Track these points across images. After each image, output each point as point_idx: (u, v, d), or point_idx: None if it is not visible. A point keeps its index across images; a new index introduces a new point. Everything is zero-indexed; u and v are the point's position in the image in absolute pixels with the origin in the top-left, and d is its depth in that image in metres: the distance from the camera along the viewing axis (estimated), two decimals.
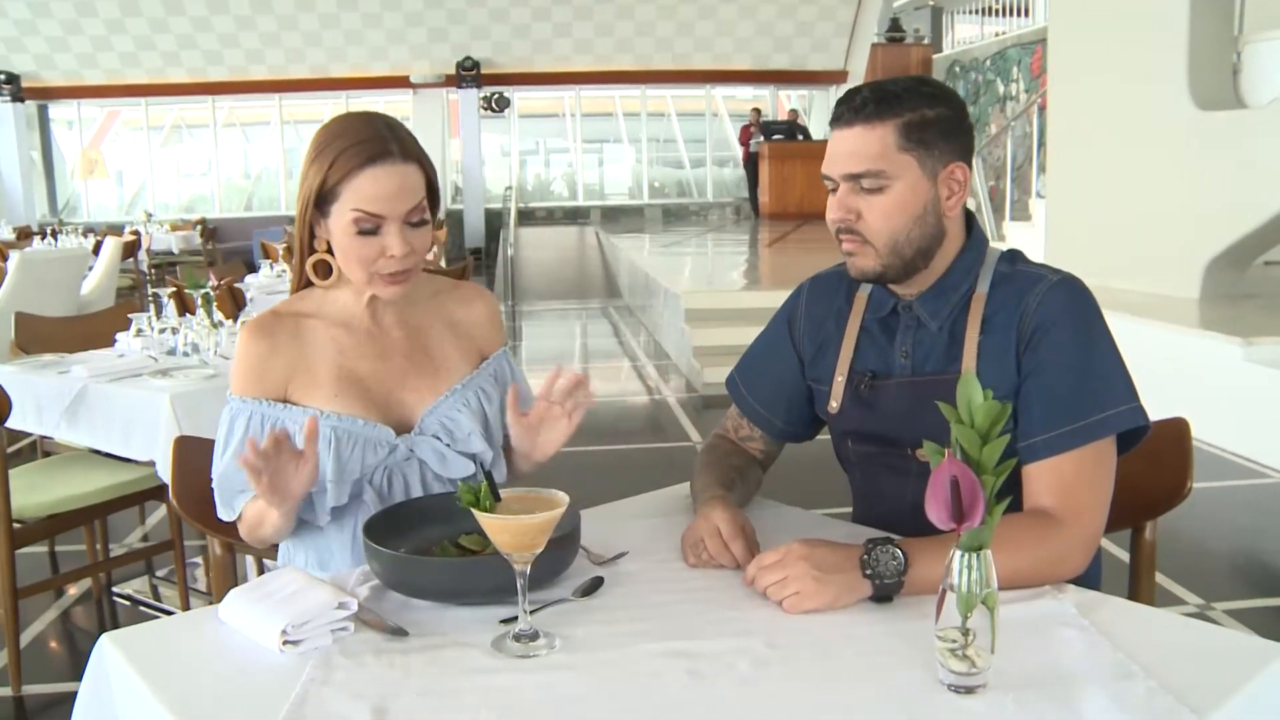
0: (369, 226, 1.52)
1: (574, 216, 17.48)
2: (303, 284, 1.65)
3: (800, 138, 15.34)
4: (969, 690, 1.08)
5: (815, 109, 18.03)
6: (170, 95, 16.57)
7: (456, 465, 1.64)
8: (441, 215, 14.82)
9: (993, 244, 1.58)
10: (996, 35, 15.07)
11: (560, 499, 1.23)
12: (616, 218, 17.54)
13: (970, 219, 1.57)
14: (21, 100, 16.16)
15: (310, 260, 1.60)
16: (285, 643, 1.21)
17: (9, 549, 2.73)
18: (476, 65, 16.41)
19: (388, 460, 1.61)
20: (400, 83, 16.51)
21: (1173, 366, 5.21)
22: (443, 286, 1.76)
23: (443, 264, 8.65)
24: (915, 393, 1.52)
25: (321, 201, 1.54)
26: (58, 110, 17.36)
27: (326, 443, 1.55)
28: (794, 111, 16.62)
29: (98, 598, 3.43)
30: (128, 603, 3.44)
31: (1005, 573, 1.32)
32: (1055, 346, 1.43)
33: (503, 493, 1.26)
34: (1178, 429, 1.78)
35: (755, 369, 1.76)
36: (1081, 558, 1.38)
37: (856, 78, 16.71)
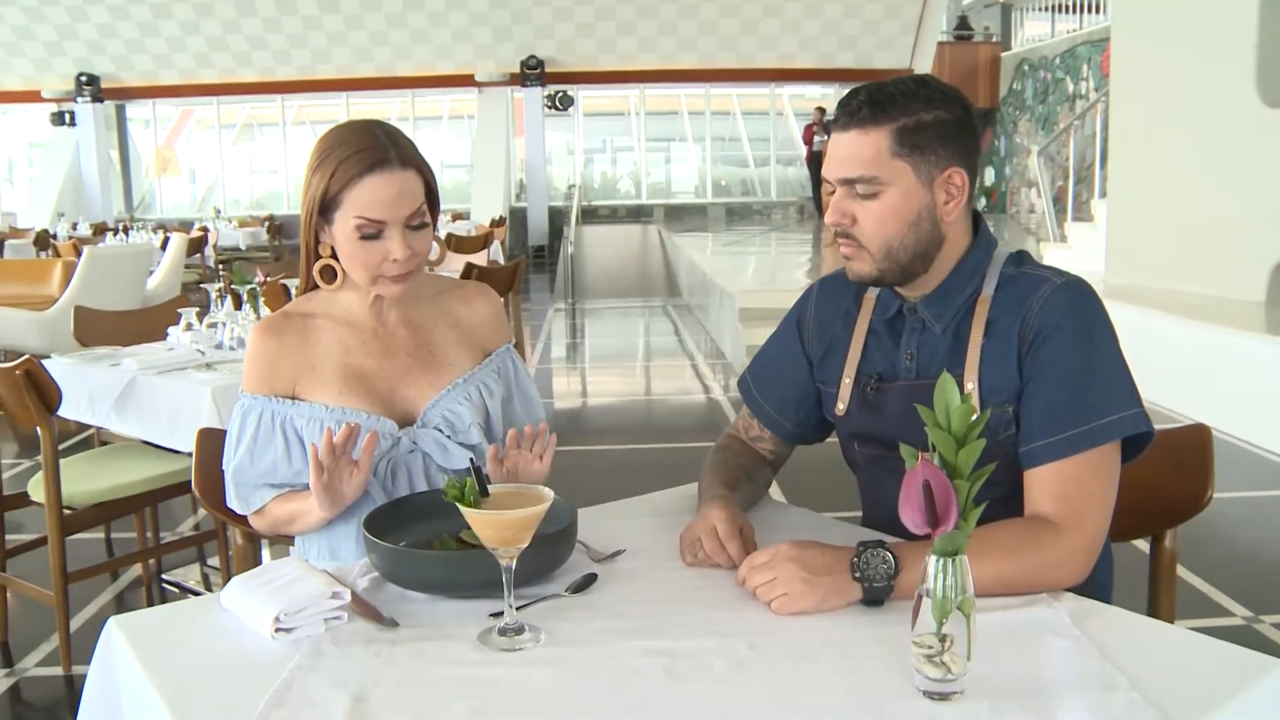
0: (371, 232, 1.57)
1: (637, 215, 17.54)
2: (310, 286, 1.70)
3: None
4: (944, 697, 1.07)
5: None
6: (241, 94, 17.02)
7: (458, 456, 1.68)
8: (503, 213, 15.00)
9: (1001, 246, 1.55)
10: (1069, 33, 14.78)
11: (544, 495, 1.24)
12: (680, 216, 17.57)
13: (978, 220, 1.55)
14: (101, 101, 16.70)
15: (316, 266, 1.65)
16: (278, 630, 1.24)
17: (59, 535, 2.83)
18: (541, 64, 16.55)
19: (391, 453, 1.66)
20: (465, 81, 16.72)
21: (1236, 371, 5.08)
22: (446, 286, 1.82)
23: (500, 261, 8.73)
24: (918, 396, 1.49)
25: (325, 209, 1.59)
26: (135, 110, 17.90)
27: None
28: None
29: (147, 584, 3.53)
30: (176, 589, 3.54)
31: (999, 579, 1.32)
32: (1057, 350, 1.41)
33: (491, 489, 1.28)
34: (1199, 435, 1.73)
35: (766, 370, 1.75)
36: (1080, 566, 1.36)
37: None
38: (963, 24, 17.70)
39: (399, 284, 1.62)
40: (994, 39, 17.71)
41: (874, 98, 1.44)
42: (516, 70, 16.54)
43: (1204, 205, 6.35)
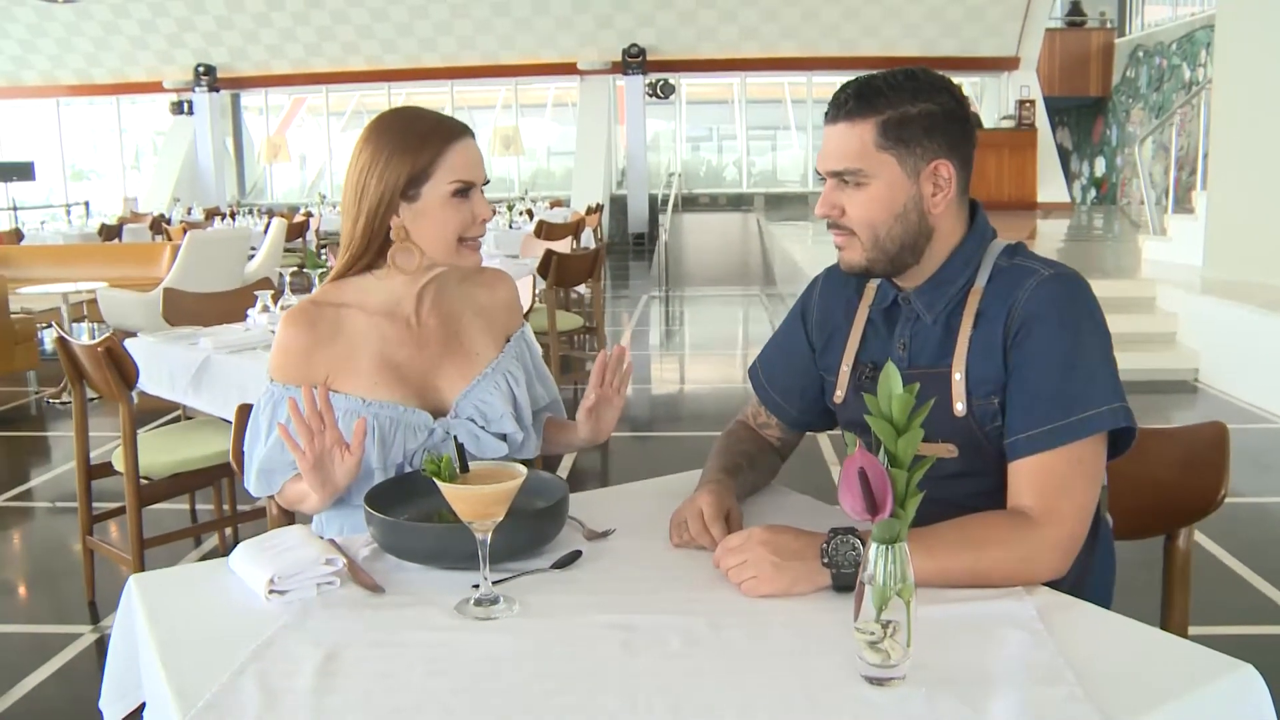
0: (464, 190, 1.66)
1: (738, 203, 17.49)
2: (344, 273, 1.74)
3: None
4: (882, 682, 1.10)
5: (986, 97, 17.43)
6: (350, 83, 17.48)
7: (490, 446, 1.74)
8: (602, 200, 15.13)
9: (999, 238, 1.55)
10: (1191, 16, 14.23)
11: (517, 472, 1.29)
12: (780, 205, 17.45)
13: (975, 210, 1.55)
14: (217, 90, 17.36)
15: (393, 250, 1.67)
16: (271, 592, 1.33)
17: (136, 502, 3.01)
18: (642, 52, 16.60)
19: (427, 443, 1.71)
20: (568, 69, 16.87)
21: None
22: (467, 274, 1.85)
23: (590, 247, 8.81)
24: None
25: (411, 185, 1.64)
26: (249, 99, 18.56)
27: (371, 433, 1.66)
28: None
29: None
30: None
31: (973, 571, 1.33)
32: (1040, 342, 1.41)
33: (473, 465, 1.34)
34: (1215, 433, 1.70)
35: (773, 358, 1.78)
36: (1058, 561, 1.35)
37: (1029, 64, 16.08)
38: (1075, 9, 17.16)
39: (478, 250, 1.72)
40: (1109, 24, 17.13)
41: (861, 91, 1.45)
42: (618, 58, 16.63)
43: None
